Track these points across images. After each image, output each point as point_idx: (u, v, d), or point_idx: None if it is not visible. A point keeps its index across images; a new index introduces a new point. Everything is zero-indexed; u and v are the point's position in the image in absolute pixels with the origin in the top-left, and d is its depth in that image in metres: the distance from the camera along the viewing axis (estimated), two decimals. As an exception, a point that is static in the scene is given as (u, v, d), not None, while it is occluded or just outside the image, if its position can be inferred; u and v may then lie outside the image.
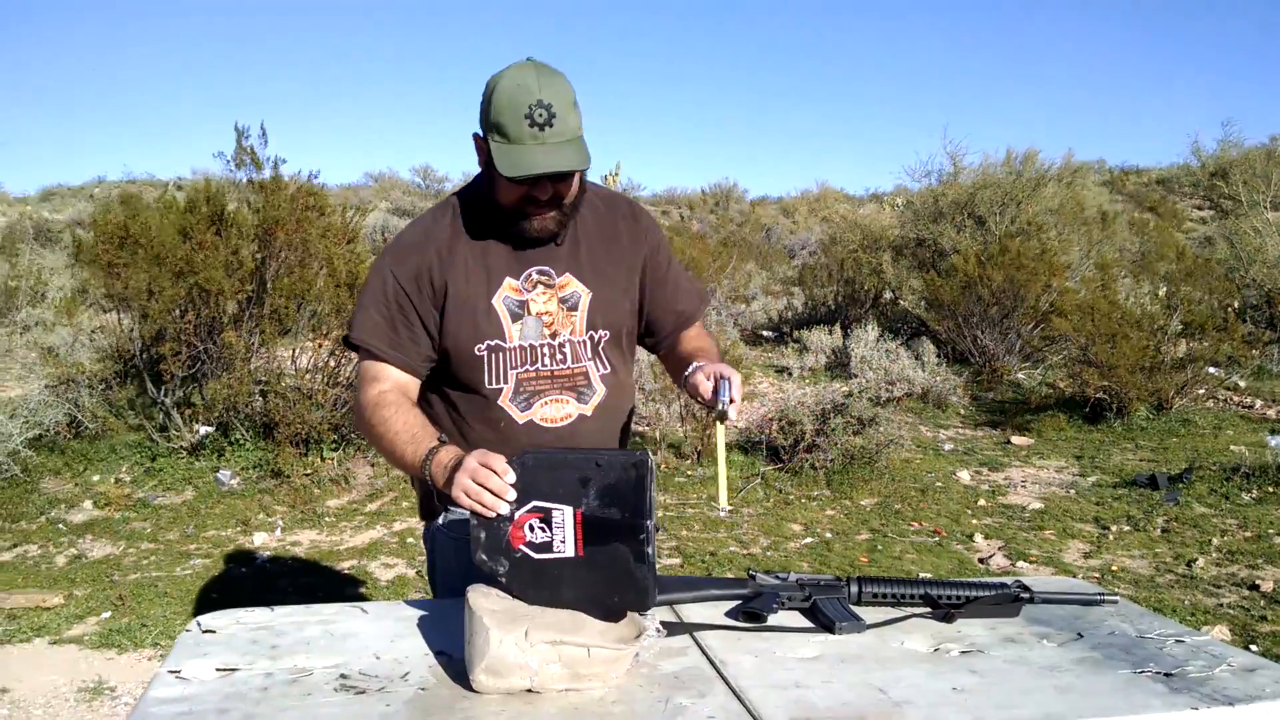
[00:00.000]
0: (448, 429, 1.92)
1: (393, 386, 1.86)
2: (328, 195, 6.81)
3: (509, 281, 1.87)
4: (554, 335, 1.89)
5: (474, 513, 1.60)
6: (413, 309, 1.85)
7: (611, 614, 1.58)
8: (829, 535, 5.25)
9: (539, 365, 1.89)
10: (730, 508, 1.95)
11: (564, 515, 1.60)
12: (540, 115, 1.63)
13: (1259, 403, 7.98)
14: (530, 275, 1.88)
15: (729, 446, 6.32)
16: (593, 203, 1.94)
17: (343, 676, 1.51)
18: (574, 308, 1.90)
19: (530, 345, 1.88)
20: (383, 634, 1.69)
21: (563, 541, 1.60)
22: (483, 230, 1.87)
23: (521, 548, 1.59)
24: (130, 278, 5.96)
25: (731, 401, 1.75)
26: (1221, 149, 15.39)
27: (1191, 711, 1.43)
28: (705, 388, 1.79)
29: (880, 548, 5.03)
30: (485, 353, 1.87)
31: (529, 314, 1.87)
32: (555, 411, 1.91)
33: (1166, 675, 1.55)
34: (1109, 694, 1.48)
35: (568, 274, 1.90)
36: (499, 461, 1.60)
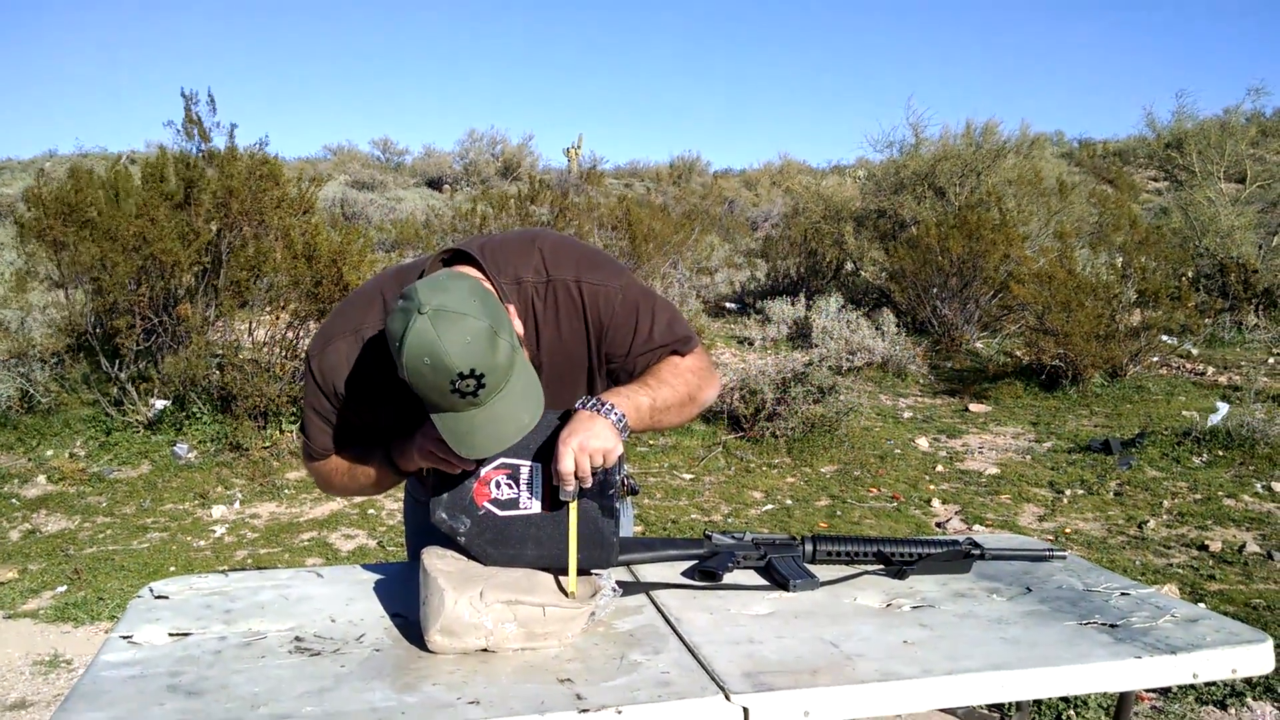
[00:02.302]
0: None
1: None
2: (282, 166, 6.71)
3: None
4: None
5: (437, 470, 1.59)
6: (350, 416, 1.71)
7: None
8: (789, 502, 5.29)
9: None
10: (574, 598, 1.60)
11: (532, 471, 1.60)
12: (468, 386, 1.39)
13: (1210, 369, 8.13)
14: None
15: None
16: (532, 307, 1.68)
17: (297, 639, 1.51)
18: None
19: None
20: (338, 597, 1.68)
21: (530, 498, 1.59)
22: None
23: (486, 505, 1.58)
24: (81, 252, 5.85)
25: (580, 478, 1.54)
26: (1176, 120, 15.53)
27: (1135, 660, 1.46)
28: (557, 464, 1.54)
29: (840, 513, 5.08)
30: (428, 472, 1.70)
31: None
32: None
33: (1111, 626, 1.59)
34: (1055, 645, 1.51)
35: None
36: None
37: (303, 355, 6.09)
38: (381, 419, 1.69)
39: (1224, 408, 6.06)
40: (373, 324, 1.65)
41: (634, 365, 1.73)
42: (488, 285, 1.60)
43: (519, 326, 1.57)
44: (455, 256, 1.66)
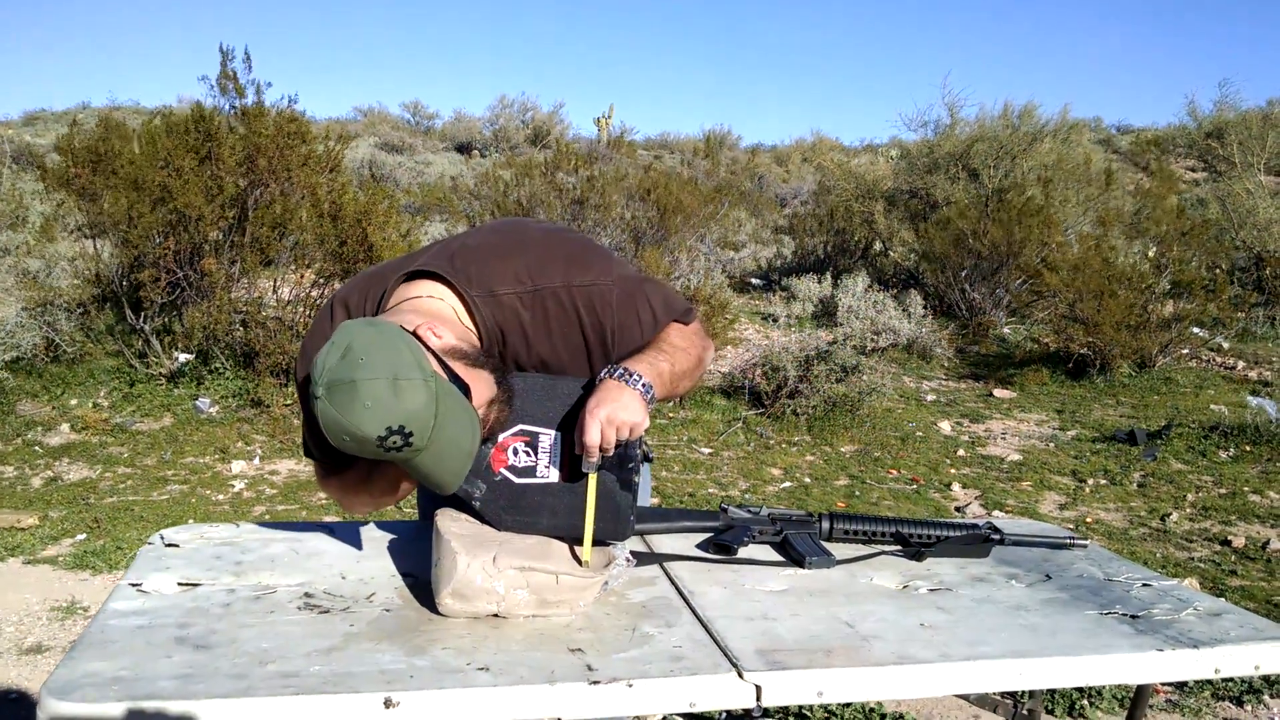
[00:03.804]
0: None
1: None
2: (310, 124, 6.69)
3: None
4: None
5: None
6: None
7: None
8: (808, 480, 5.27)
9: None
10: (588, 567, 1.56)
11: (551, 440, 1.57)
12: (395, 443, 1.32)
13: (1241, 364, 8.01)
14: None
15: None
16: (518, 317, 1.60)
17: (307, 595, 1.49)
18: None
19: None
20: (349, 554, 1.67)
21: (547, 466, 1.57)
22: None
23: (502, 471, 1.56)
24: (108, 202, 5.86)
25: (604, 450, 1.51)
26: (1218, 110, 15.26)
27: (1156, 653, 1.43)
28: (582, 434, 1.51)
29: (858, 493, 5.05)
30: None
31: None
32: None
33: (1133, 617, 1.55)
34: (1075, 634, 1.48)
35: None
36: None
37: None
38: None
39: (1256, 402, 5.96)
40: None
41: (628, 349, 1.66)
42: (404, 314, 1.50)
43: (450, 341, 1.47)
44: (421, 273, 1.58)
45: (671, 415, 6.32)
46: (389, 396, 1.30)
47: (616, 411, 1.48)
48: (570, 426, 1.55)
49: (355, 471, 1.66)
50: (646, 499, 1.98)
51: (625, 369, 1.53)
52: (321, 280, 6.17)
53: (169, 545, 1.65)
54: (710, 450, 5.76)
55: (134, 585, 1.48)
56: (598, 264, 1.62)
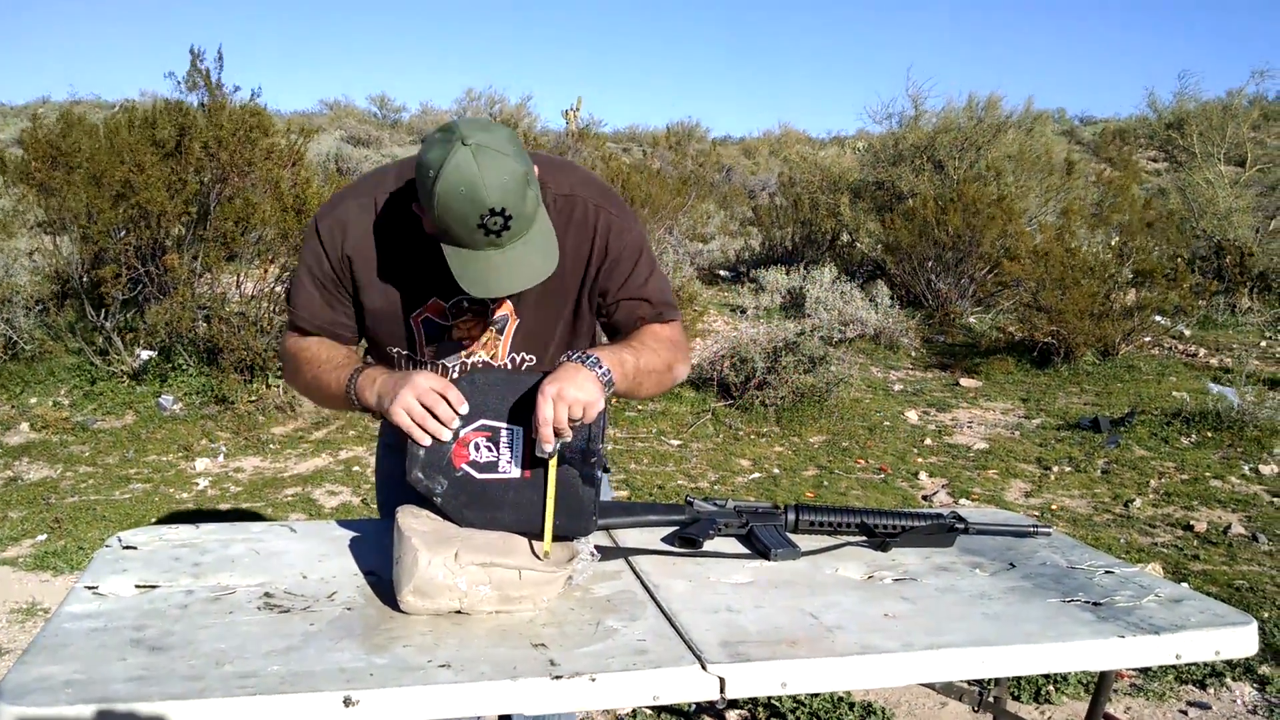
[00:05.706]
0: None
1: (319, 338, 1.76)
2: (272, 116, 6.61)
3: (435, 301, 1.69)
4: (470, 355, 1.74)
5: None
6: (342, 288, 1.69)
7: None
8: (776, 471, 5.28)
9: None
10: (548, 559, 1.56)
11: (513, 435, 1.56)
12: (495, 224, 1.42)
13: (1202, 351, 8.12)
14: (461, 302, 1.69)
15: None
16: (545, 211, 1.63)
17: (267, 595, 1.48)
18: (500, 331, 1.74)
19: (443, 364, 1.73)
20: (310, 553, 1.65)
21: (509, 462, 1.56)
22: (416, 240, 1.62)
23: (464, 467, 1.54)
24: (68, 198, 5.77)
25: (559, 434, 1.49)
26: (1178, 101, 15.43)
27: (1118, 639, 1.44)
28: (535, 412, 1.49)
29: (827, 484, 5.07)
30: (399, 356, 1.75)
31: (448, 338, 1.73)
32: None
33: (1095, 604, 1.57)
34: (1037, 622, 1.49)
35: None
36: (452, 390, 1.53)
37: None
38: (370, 301, 1.68)
39: (1217, 389, 6.05)
40: (385, 193, 1.66)
41: (617, 309, 1.74)
42: None
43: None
44: None
45: (640, 408, 6.32)
46: (520, 186, 1.43)
47: (567, 389, 1.47)
48: (529, 422, 1.54)
49: (315, 346, 1.72)
50: (608, 494, 1.98)
51: (585, 353, 1.55)
52: (285, 276, 6.10)
53: (127, 547, 1.63)
54: (679, 442, 5.76)
55: (90, 588, 1.45)
56: (628, 214, 1.74)
